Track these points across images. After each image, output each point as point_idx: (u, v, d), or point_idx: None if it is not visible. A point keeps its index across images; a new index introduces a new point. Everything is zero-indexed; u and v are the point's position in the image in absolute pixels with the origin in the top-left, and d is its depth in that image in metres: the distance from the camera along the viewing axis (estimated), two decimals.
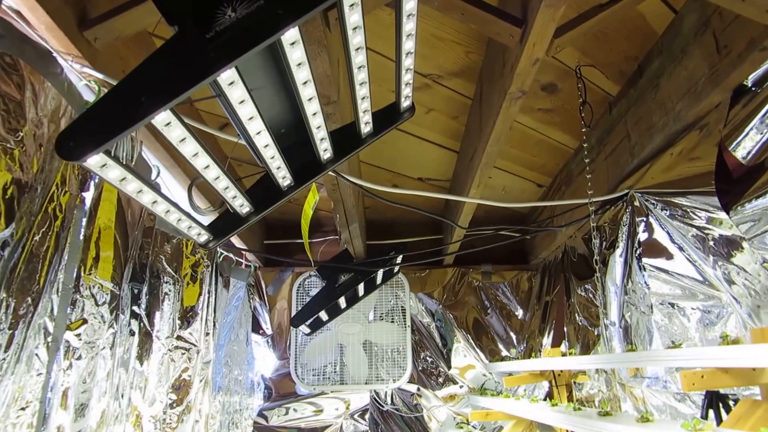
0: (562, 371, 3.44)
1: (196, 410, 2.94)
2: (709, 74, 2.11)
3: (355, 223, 3.52)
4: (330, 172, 2.23)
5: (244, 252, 4.00)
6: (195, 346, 2.96)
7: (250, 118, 1.47)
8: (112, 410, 2.21)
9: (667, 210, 2.72)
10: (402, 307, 4.36)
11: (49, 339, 1.86)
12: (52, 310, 1.88)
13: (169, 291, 2.76)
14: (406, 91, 1.82)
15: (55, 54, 1.85)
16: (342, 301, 3.63)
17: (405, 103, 1.90)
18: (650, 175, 2.75)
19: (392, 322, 4.34)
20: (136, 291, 2.47)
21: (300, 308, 3.51)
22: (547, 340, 4.06)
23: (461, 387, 4.42)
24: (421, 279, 4.57)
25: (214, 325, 3.20)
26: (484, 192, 3.18)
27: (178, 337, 2.84)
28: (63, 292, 1.94)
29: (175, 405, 2.77)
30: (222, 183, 1.67)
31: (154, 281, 2.65)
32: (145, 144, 2.38)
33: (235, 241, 3.72)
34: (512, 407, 3.24)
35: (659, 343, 2.82)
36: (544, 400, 3.48)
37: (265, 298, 4.52)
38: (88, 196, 2.12)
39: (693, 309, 2.72)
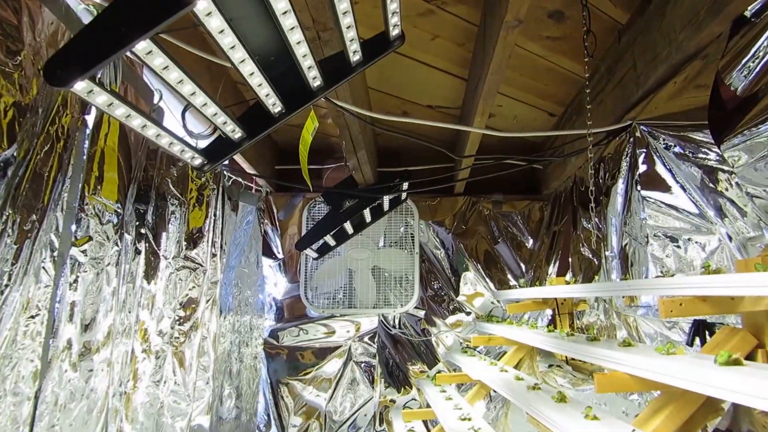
0: (565, 300, 3.50)
1: (203, 328, 3.07)
2: (711, 3, 2.06)
3: (363, 150, 3.52)
4: (331, 103, 2.24)
5: (254, 177, 4.05)
6: (201, 266, 3.05)
7: (232, 47, 1.48)
8: (119, 325, 2.32)
9: (669, 143, 2.69)
10: (411, 234, 4.41)
11: (55, 254, 1.94)
12: (57, 227, 1.95)
13: (175, 212, 2.83)
14: (394, 19, 1.81)
15: None
16: (349, 227, 3.69)
17: (394, 32, 1.89)
18: (654, 104, 2.72)
19: (401, 248, 4.41)
20: (141, 211, 2.54)
21: (306, 233, 3.57)
22: (552, 270, 4.11)
23: (469, 314, 4.52)
24: (431, 207, 4.60)
25: (222, 247, 3.29)
26: (495, 121, 3.14)
27: (185, 257, 2.93)
28: (67, 210, 2.00)
29: (182, 321, 2.89)
30: (210, 109, 1.70)
31: (160, 203, 2.72)
32: (146, 68, 2.40)
33: (245, 165, 3.76)
34: (511, 333, 3.33)
35: (654, 273, 2.85)
36: (546, 327, 3.56)
37: (277, 223, 4.61)
38: (90, 118, 2.16)
39: (687, 240, 2.73)
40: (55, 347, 1.94)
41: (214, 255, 3.18)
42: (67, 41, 1.22)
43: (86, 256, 2.10)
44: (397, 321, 4.50)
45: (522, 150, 4.35)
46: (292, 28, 1.53)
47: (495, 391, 3.69)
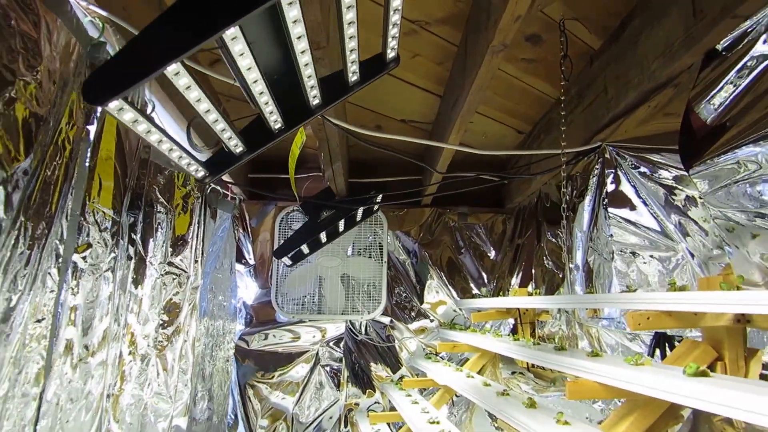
0: (527, 310, 3.71)
1: (184, 332, 3.15)
2: (684, 36, 2.21)
3: (339, 162, 3.66)
4: (324, 119, 2.36)
5: (230, 185, 4.14)
6: (185, 272, 3.14)
7: (249, 68, 1.61)
8: (113, 329, 2.40)
9: (635, 163, 2.90)
10: (380, 243, 4.57)
11: (60, 260, 2.01)
12: (62, 234, 2.03)
13: (162, 220, 2.91)
14: (392, 43, 1.96)
15: None
16: (323, 236, 3.82)
17: (390, 54, 2.03)
18: (623, 128, 2.91)
19: (370, 257, 4.56)
20: (132, 219, 2.62)
21: (283, 241, 3.68)
22: (515, 281, 4.33)
23: (432, 321, 4.70)
24: (399, 217, 4.77)
25: (202, 253, 3.38)
26: (465, 136, 3.31)
27: (170, 263, 3.01)
28: (71, 218, 2.08)
29: (166, 326, 2.97)
30: (220, 125, 1.82)
31: (148, 210, 2.79)
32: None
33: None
34: (478, 341, 3.51)
35: (618, 287, 3.07)
36: (509, 335, 3.76)
37: (249, 230, 4.70)
38: (92, 129, 2.23)
39: (651, 257, 2.95)
40: (57, 350, 2.02)
41: (196, 261, 3.26)
42: (104, 62, 1.33)
43: (86, 262, 2.18)
44: (363, 327, 4.65)
45: (488, 164, 4.56)
46: (303, 51, 1.67)
47: (458, 396, 3.87)
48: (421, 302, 4.73)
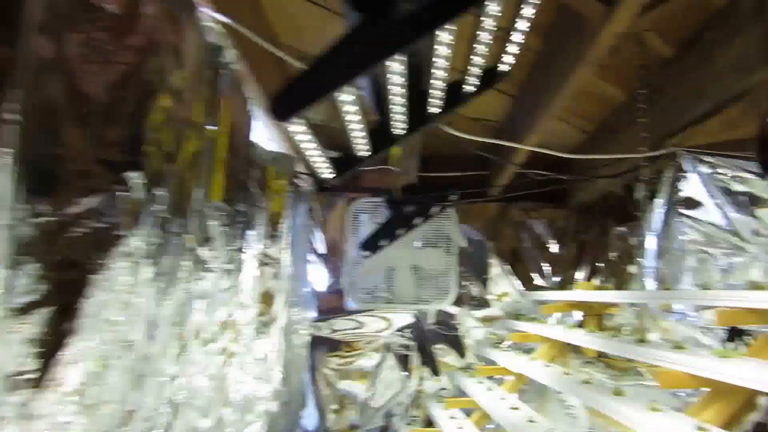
0: (596, 303, 3.81)
1: (277, 320, 3.35)
2: (760, 53, 2.33)
3: (414, 159, 3.80)
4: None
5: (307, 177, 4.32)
6: (278, 262, 3.33)
7: (393, 83, 1.76)
8: (225, 318, 2.59)
9: (708, 168, 3.02)
10: (449, 235, 4.69)
11: (191, 254, 2.20)
12: (194, 229, 2.21)
13: (259, 213, 3.09)
14: (508, 58, 2.09)
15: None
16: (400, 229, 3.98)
17: (503, 68, 2.17)
18: (693, 135, 3.02)
19: (438, 248, 4.68)
20: (239, 212, 2.80)
21: (371, 234, 3.84)
22: (580, 274, 4.43)
23: (497, 311, 4.83)
24: (465, 210, 4.89)
25: (290, 243, 3.57)
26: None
27: (265, 254, 3.19)
28: (199, 213, 2.26)
29: (263, 313, 3.16)
30: (359, 132, 1.98)
31: (248, 204, 2.97)
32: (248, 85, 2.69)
33: (301, 167, 4.02)
34: (552, 332, 3.62)
35: (688, 284, 3.18)
36: (574, 326, 3.86)
37: (320, 220, 4.89)
38: (215, 131, 2.41)
39: (722, 256, 3.06)
40: (188, 335, 2.21)
41: (285, 251, 3.45)
42: (290, 79, 1.47)
43: (210, 255, 2.36)
44: (432, 316, 4.81)
45: (553, 163, 4.64)
46: (441, 67, 1.81)
47: (527, 385, 3.99)
48: (487, 293, 4.85)
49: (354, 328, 4.83)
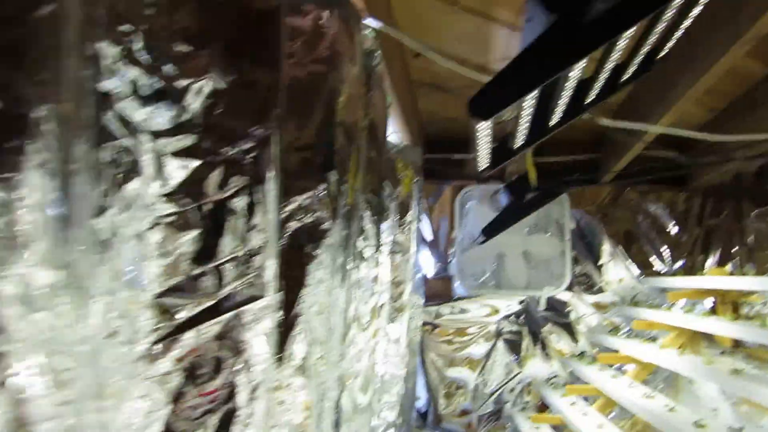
0: (729, 290, 3.66)
1: (406, 306, 3.41)
2: None
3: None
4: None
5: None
6: (407, 249, 3.39)
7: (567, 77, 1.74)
8: (373, 305, 2.67)
9: None
10: (560, 220, 4.61)
11: (351, 248, 2.26)
12: (356, 221, 2.27)
13: (391, 201, 3.14)
14: (670, 44, 2.02)
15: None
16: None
17: (661, 54, 2.10)
18: None
19: (549, 234, 4.62)
20: (375, 203, 2.86)
21: (492, 220, 3.83)
22: (711, 260, 4.26)
23: (611, 297, 4.72)
24: (577, 194, 4.79)
25: (416, 231, 3.61)
26: None
27: (395, 242, 3.25)
28: (354, 208, 2.32)
29: (395, 299, 3.23)
30: (524, 125, 1.97)
31: (383, 192, 3.03)
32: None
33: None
34: (689, 321, 3.46)
35: None
36: (704, 314, 3.72)
37: (427, 208, 4.91)
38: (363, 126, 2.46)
39: None
40: (349, 321, 2.28)
41: (410, 238, 3.50)
42: (490, 79, 1.49)
43: (363, 245, 2.42)
44: (543, 302, 4.76)
45: (671, 144, 4.47)
46: (616, 60, 1.78)
47: (652, 374, 3.90)
48: (600, 278, 4.75)
49: (468, 314, 4.85)
